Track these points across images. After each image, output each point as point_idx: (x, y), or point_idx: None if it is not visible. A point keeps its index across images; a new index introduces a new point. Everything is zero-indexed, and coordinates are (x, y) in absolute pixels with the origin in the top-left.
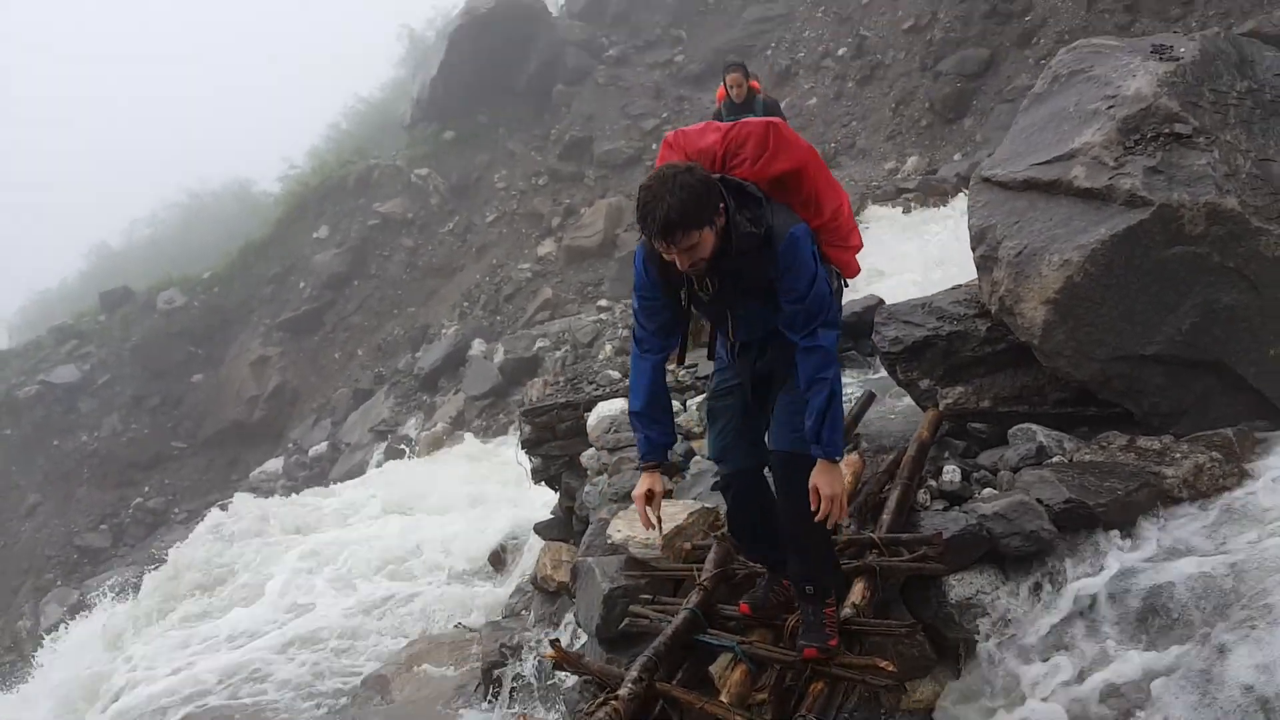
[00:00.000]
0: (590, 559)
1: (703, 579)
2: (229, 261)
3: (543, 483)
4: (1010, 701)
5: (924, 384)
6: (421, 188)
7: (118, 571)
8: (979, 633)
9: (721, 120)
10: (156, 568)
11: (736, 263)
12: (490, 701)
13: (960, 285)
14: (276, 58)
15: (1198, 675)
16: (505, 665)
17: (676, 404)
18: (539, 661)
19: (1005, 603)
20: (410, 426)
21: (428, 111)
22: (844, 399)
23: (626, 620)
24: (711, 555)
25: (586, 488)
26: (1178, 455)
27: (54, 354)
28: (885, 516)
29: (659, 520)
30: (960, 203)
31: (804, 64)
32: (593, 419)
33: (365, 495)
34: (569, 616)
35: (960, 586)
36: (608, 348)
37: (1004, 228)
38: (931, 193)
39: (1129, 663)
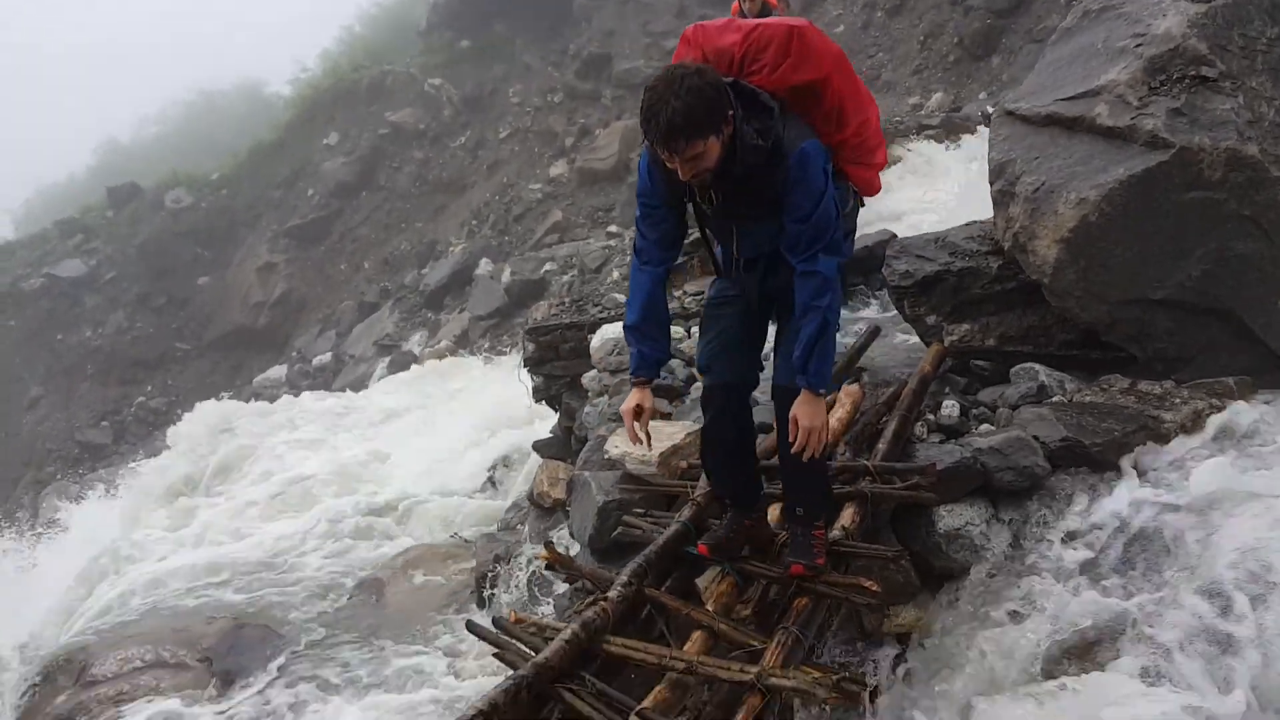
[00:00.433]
0: (587, 473)
1: (696, 495)
2: (237, 163)
3: (543, 401)
4: (991, 631)
5: (931, 320)
6: (434, 98)
7: (118, 468)
8: (965, 563)
9: None
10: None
11: (742, 176)
12: (482, 607)
13: (975, 221)
14: None
15: (1179, 611)
16: (498, 574)
17: (680, 330)
18: (531, 570)
19: (994, 535)
20: (414, 342)
21: (444, 18)
22: (846, 334)
23: (619, 530)
24: None
25: (586, 408)
26: (1178, 400)
27: (60, 247)
28: (881, 445)
29: (647, 436)
30: (982, 142)
31: None
32: (596, 341)
33: (368, 405)
34: (563, 531)
35: (950, 517)
36: (615, 273)
37: (1023, 163)
38: (954, 130)
39: (1111, 597)
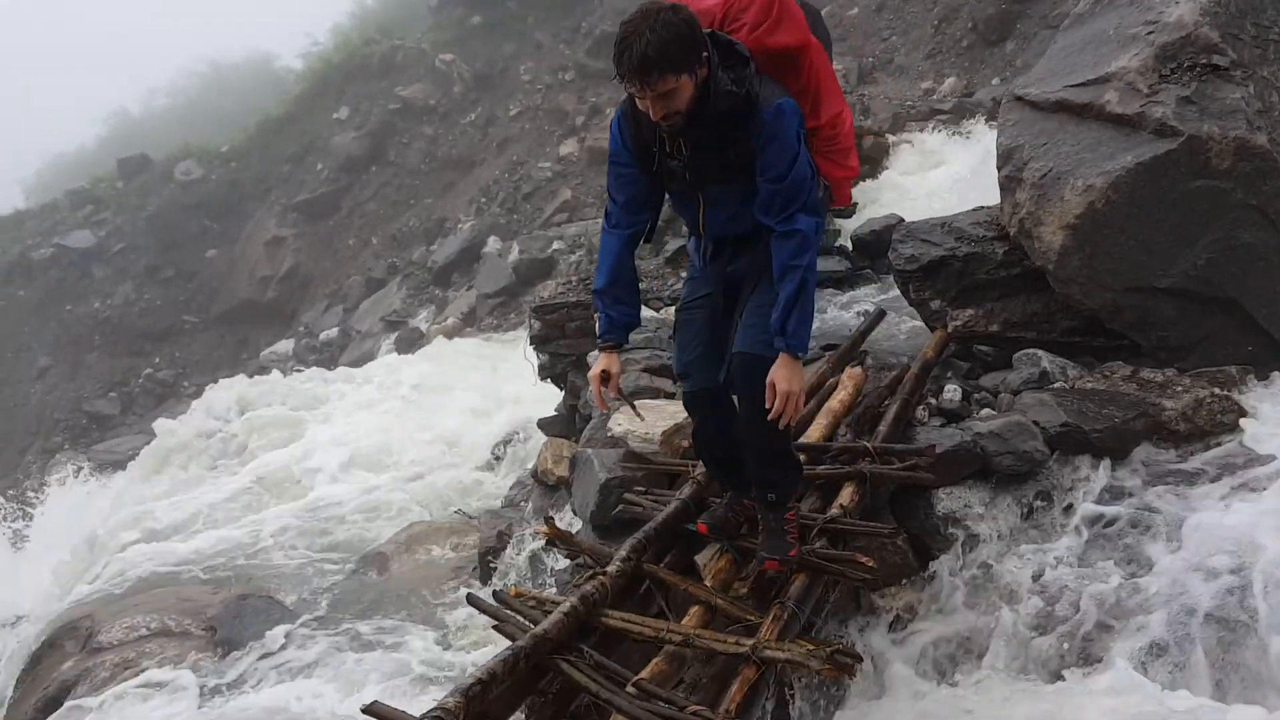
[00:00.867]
0: (589, 450)
1: (696, 473)
2: (247, 136)
3: (549, 379)
4: (985, 612)
5: (935, 304)
6: (445, 74)
7: (125, 439)
8: (963, 544)
9: None
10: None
11: (714, 126)
12: (484, 583)
13: (982, 207)
14: None
15: (1171, 600)
16: (501, 550)
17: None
18: (534, 545)
19: (991, 518)
20: (421, 319)
21: None
22: (850, 312)
23: (620, 507)
24: None
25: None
26: (1179, 389)
27: (70, 218)
28: (882, 428)
29: (628, 402)
30: (993, 128)
31: None
32: None
33: (375, 381)
34: (566, 509)
35: (949, 500)
36: None
37: (1031, 148)
38: (966, 115)
39: (1105, 584)
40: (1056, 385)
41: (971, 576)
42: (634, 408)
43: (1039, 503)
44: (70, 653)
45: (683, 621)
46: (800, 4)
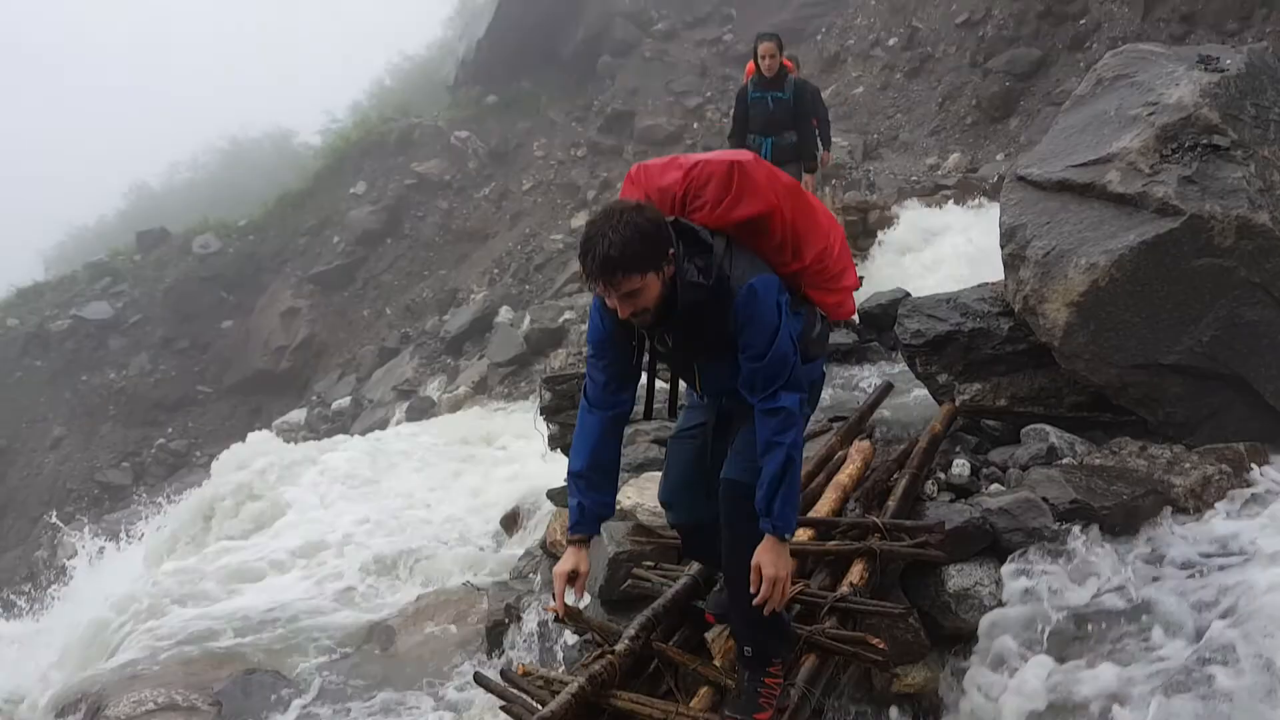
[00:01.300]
0: None
1: None
2: (266, 210)
3: (559, 450)
4: (998, 693)
5: (942, 378)
6: (461, 150)
7: (136, 509)
8: (975, 623)
9: (748, 99)
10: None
11: (688, 315)
12: (492, 657)
13: (987, 283)
14: (324, 11)
15: (1181, 682)
16: (509, 624)
17: None
18: (541, 621)
19: (1002, 596)
20: (433, 388)
21: (472, 74)
22: (857, 390)
23: (629, 582)
24: None
25: None
26: (1187, 465)
27: (88, 290)
28: (890, 503)
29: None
30: (996, 204)
31: (853, 51)
32: None
33: (384, 450)
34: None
35: (959, 577)
36: None
37: (1034, 227)
38: (970, 191)
39: (1115, 664)
40: (1065, 461)
41: (983, 655)
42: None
43: (1049, 580)
44: None
45: (691, 702)
46: (800, 82)
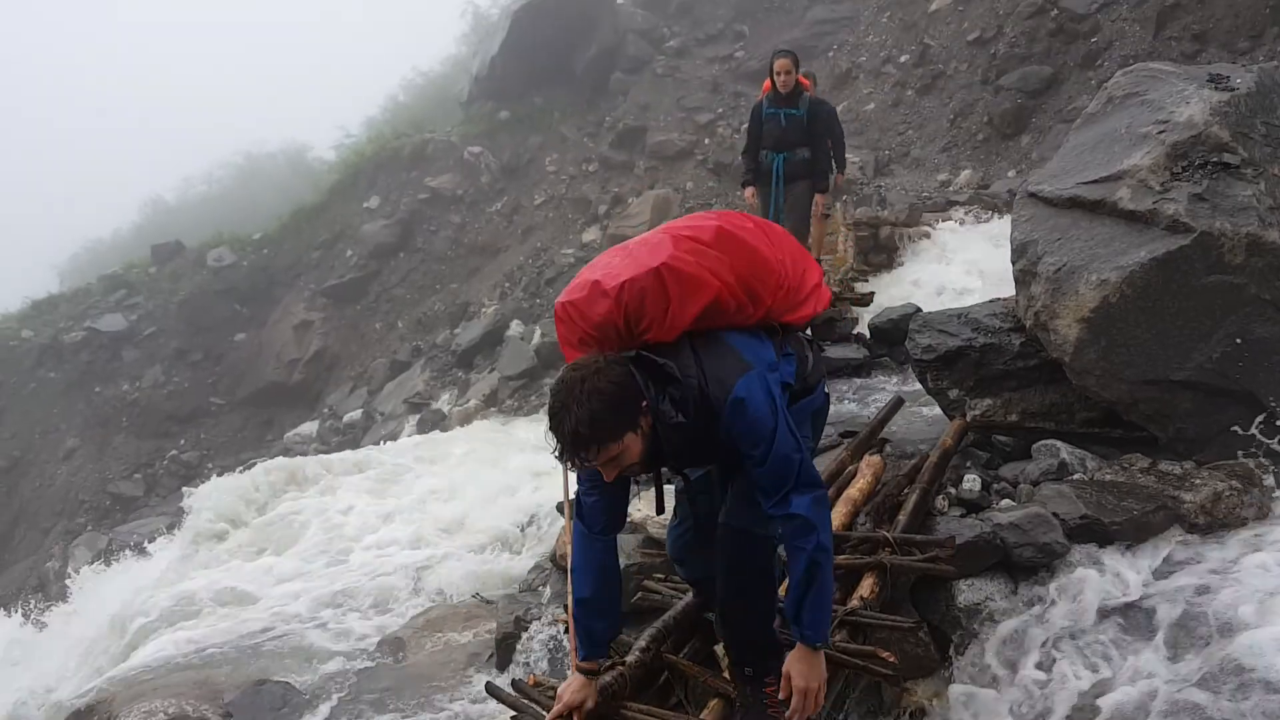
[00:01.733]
0: None
1: None
2: (280, 224)
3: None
4: (1009, 708)
5: (953, 394)
6: (473, 165)
7: (147, 520)
8: (984, 637)
9: (762, 115)
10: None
11: (679, 451)
12: (503, 669)
13: (998, 299)
14: (339, 27)
15: (1197, 694)
16: (519, 636)
17: None
18: (552, 631)
19: (1013, 610)
20: (444, 401)
21: (485, 89)
22: (868, 405)
23: (639, 595)
24: None
25: None
26: (1198, 481)
27: (102, 302)
28: (901, 517)
29: None
30: (1008, 220)
31: (865, 68)
32: None
33: (397, 462)
34: None
35: (969, 591)
36: None
37: (1045, 243)
38: (982, 207)
39: (1127, 677)
40: (1075, 477)
41: (993, 670)
42: None
43: (1059, 594)
44: None
45: (702, 714)
46: (816, 101)
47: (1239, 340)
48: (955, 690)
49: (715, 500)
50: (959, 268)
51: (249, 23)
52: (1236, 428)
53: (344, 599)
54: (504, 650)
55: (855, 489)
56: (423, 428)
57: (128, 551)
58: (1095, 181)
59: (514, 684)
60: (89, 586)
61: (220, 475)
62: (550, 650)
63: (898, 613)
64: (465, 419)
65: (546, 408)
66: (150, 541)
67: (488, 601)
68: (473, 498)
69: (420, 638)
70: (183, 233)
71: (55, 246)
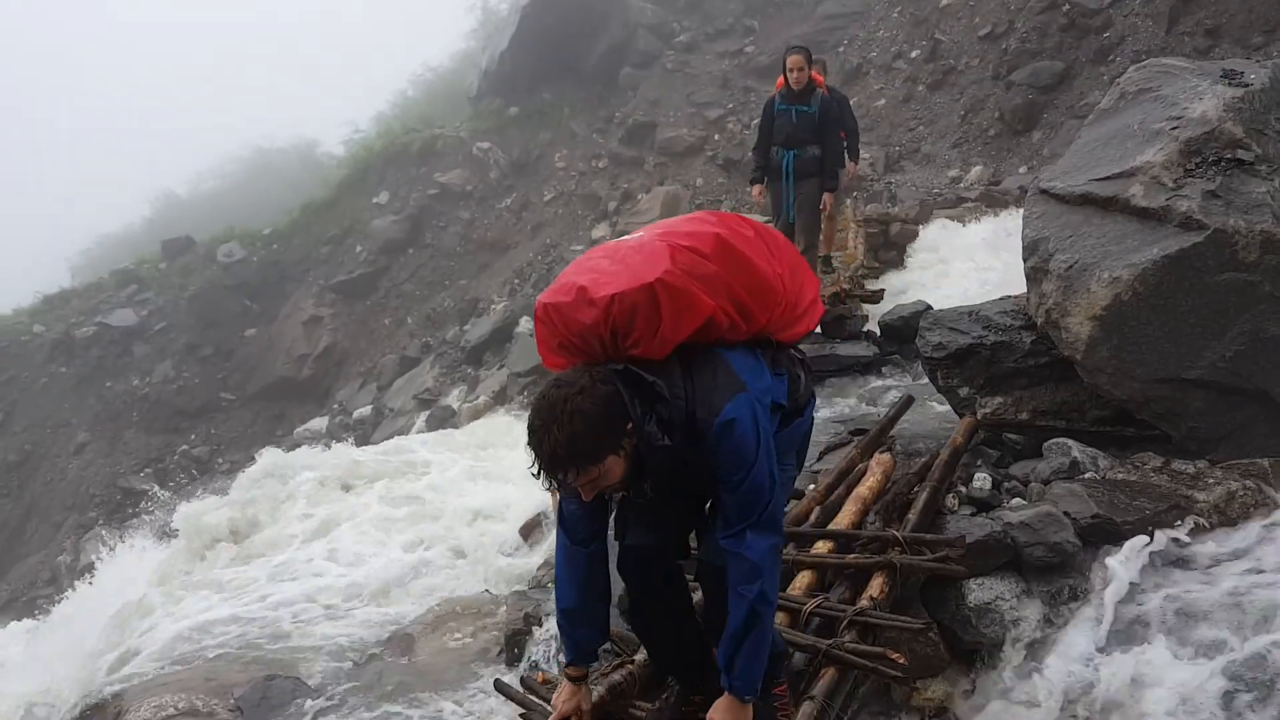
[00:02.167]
0: None
1: None
2: (290, 220)
3: None
4: (1020, 708)
5: (963, 392)
6: (482, 161)
7: (158, 515)
8: (995, 637)
9: (774, 111)
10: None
11: (662, 473)
12: (512, 666)
13: (1009, 296)
14: (348, 22)
15: (1209, 693)
16: (528, 633)
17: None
18: (556, 633)
19: (1023, 610)
20: (453, 397)
21: (495, 85)
22: (879, 404)
23: None
24: None
25: None
26: (1211, 480)
27: (114, 297)
28: (911, 516)
29: None
30: (1019, 217)
31: (875, 64)
32: None
33: (405, 458)
34: None
35: (980, 591)
36: None
37: (1057, 241)
38: (993, 203)
39: (1138, 680)
40: (1087, 475)
41: (1003, 669)
42: None
43: (1071, 593)
44: None
45: (709, 713)
46: (828, 97)
47: (1253, 338)
48: (965, 690)
49: (688, 494)
50: (970, 265)
51: (257, 19)
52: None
53: (353, 594)
54: (513, 647)
55: (865, 487)
56: (432, 424)
57: (139, 545)
58: (1107, 178)
59: (522, 681)
60: (98, 581)
61: (230, 471)
62: (560, 648)
63: (907, 612)
64: (475, 415)
65: (528, 425)
66: (162, 536)
67: (496, 598)
68: (482, 494)
69: (429, 634)
70: (193, 228)
71: (67, 241)
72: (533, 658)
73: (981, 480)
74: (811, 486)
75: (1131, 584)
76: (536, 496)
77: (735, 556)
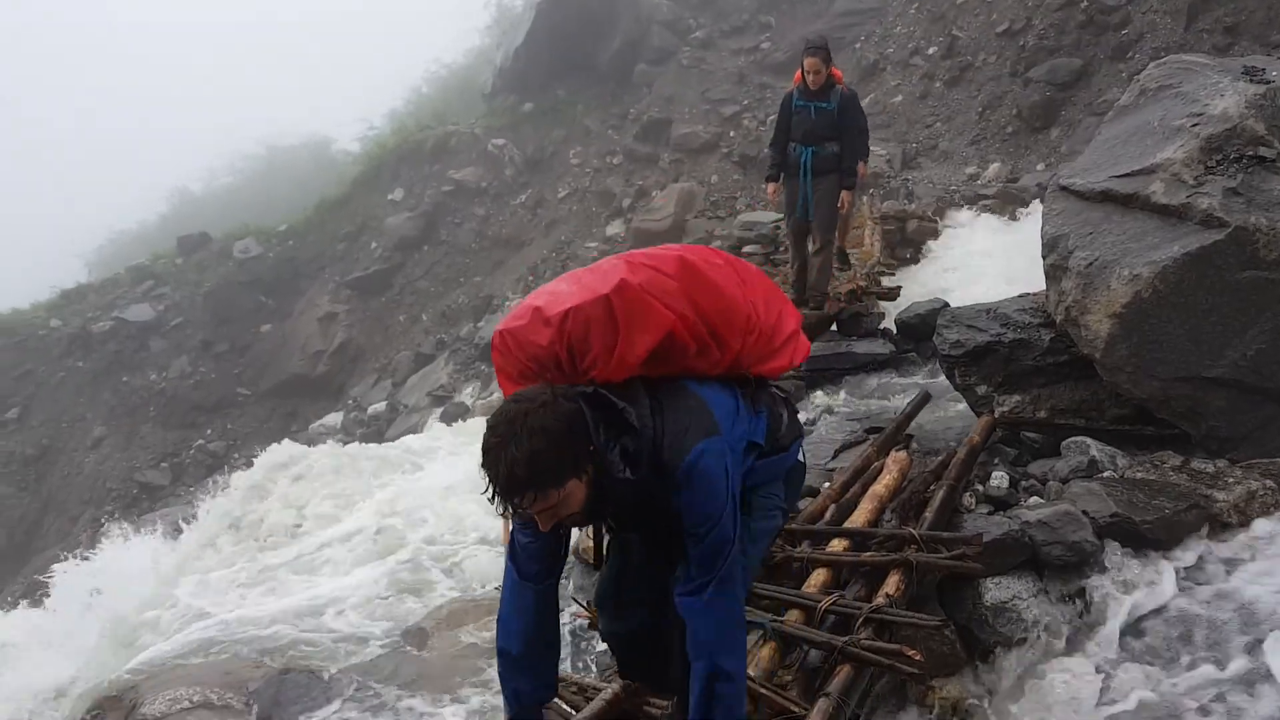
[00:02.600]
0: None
1: None
2: (305, 216)
3: None
4: (1037, 708)
5: (981, 390)
6: (497, 158)
7: (174, 509)
8: (1011, 637)
9: (792, 107)
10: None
11: (623, 508)
12: None
13: (1028, 294)
14: (361, 18)
15: (1226, 699)
16: None
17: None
18: (573, 626)
19: (1041, 610)
20: (467, 394)
21: (509, 82)
22: (893, 399)
23: None
24: None
25: None
26: (1230, 480)
27: (130, 292)
28: (928, 514)
29: None
30: (1037, 214)
31: (892, 60)
32: None
33: (415, 454)
34: None
35: (997, 590)
36: None
37: (1077, 238)
38: (1010, 201)
39: (1158, 682)
40: (1106, 474)
41: (1020, 670)
42: None
43: (1089, 594)
44: None
45: None
46: (845, 94)
47: (1274, 337)
48: (981, 689)
49: (652, 539)
50: (988, 262)
51: (257, 18)
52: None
53: (366, 590)
54: None
55: (881, 485)
56: (446, 420)
57: (154, 538)
58: (1127, 175)
59: None
60: (112, 574)
61: (246, 466)
62: (573, 645)
63: (924, 610)
64: (488, 412)
65: (481, 445)
66: (178, 529)
67: None
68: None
69: (442, 630)
70: (208, 224)
71: (83, 237)
72: None
73: (999, 479)
74: (826, 484)
75: (1150, 584)
76: None
77: (690, 620)
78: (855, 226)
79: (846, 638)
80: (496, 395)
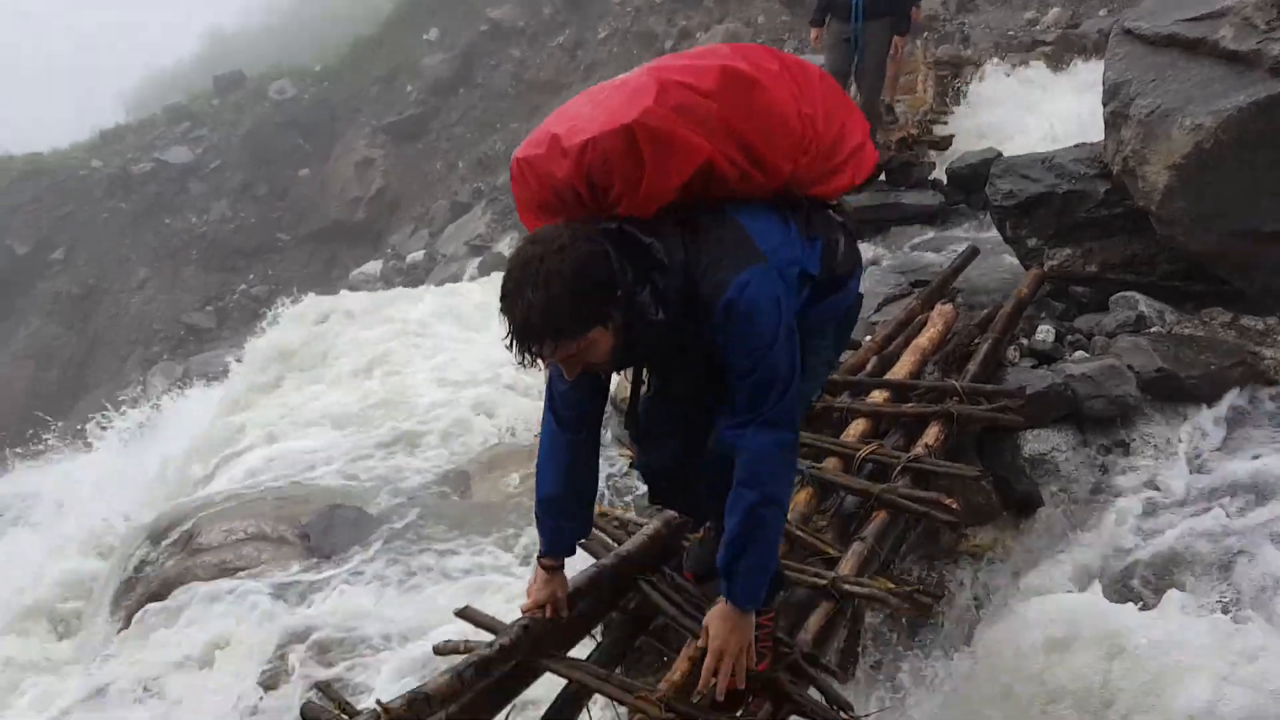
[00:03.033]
0: None
1: None
2: (340, 56)
3: None
4: (1067, 560)
5: (1032, 242)
6: None
7: (222, 352)
8: (1048, 488)
9: None
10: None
11: (656, 353)
12: None
13: (1084, 144)
14: None
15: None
16: None
17: None
18: (614, 468)
19: (1079, 461)
20: (505, 244)
21: None
22: (943, 253)
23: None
24: None
25: None
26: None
27: (168, 133)
28: (971, 366)
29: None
30: (1098, 64)
31: None
32: None
33: (455, 302)
34: None
35: (1036, 442)
36: None
37: (1139, 84)
38: (1069, 48)
39: (1195, 531)
40: (1153, 330)
41: (1056, 519)
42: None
43: (1129, 447)
44: (173, 553)
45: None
46: None
47: None
48: (1014, 537)
49: (689, 382)
50: (1045, 110)
51: None
52: None
53: (414, 432)
54: None
55: (925, 338)
56: (484, 271)
57: (204, 381)
58: (1195, 19)
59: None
60: (165, 414)
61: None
62: (612, 485)
63: (961, 460)
64: None
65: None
66: (226, 372)
67: None
68: None
69: (485, 473)
70: (243, 62)
71: (120, 76)
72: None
73: (1045, 332)
74: (869, 337)
75: (1192, 436)
76: None
77: (738, 452)
78: (908, 72)
79: (884, 485)
80: None
